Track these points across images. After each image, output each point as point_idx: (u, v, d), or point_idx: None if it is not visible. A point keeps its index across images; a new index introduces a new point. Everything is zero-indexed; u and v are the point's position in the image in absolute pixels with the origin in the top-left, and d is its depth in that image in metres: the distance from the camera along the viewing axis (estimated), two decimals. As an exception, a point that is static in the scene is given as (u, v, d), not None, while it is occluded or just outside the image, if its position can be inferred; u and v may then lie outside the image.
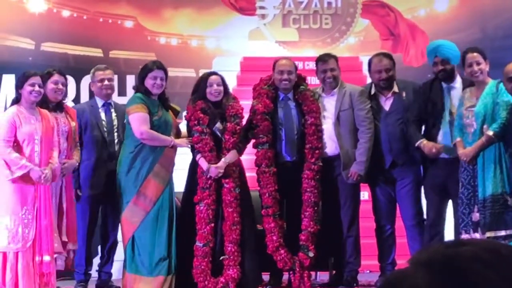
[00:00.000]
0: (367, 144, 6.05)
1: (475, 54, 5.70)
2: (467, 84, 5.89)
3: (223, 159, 5.90)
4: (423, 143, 5.86)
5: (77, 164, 6.05)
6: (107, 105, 6.37)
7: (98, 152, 6.20)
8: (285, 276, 6.20)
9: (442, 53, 5.94)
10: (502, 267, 1.22)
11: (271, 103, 6.11)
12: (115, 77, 7.66)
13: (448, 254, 1.25)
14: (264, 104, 6.08)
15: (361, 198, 6.39)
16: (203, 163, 5.89)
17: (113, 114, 6.33)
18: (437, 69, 5.95)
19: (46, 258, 5.50)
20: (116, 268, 6.51)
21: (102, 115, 6.30)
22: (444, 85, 5.96)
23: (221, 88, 6.00)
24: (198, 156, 5.92)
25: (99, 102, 6.37)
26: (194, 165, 6.01)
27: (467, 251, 1.24)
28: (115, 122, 6.30)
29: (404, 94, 6.12)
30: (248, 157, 6.33)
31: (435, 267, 1.23)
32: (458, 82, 5.98)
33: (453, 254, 1.24)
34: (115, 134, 6.27)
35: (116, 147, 6.21)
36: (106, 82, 6.36)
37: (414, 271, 1.24)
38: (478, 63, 5.65)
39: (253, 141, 6.14)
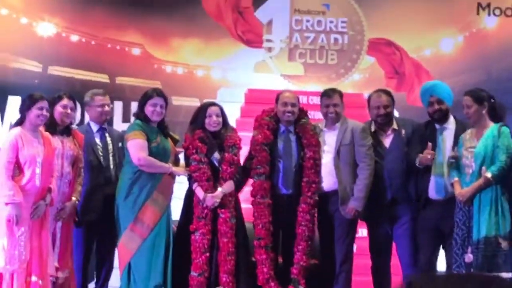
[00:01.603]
0: (367, 181, 6.03)
1: (467, 97, 5.72)
2: (460, 125, 5.92)
3: (219, 189, 5.90)
4: (420, 156, 5.84)
5: (77, 203, 5.97)
6: (102, 130, 6.34)
7: (94, 177, 6.17)
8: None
9: (438, 93, 5.97)
10: None
11: (272, 134, 6.12)
12: (120, 103, 7.73)
13: None
14: (264, 135, 6.09)
15: (359, 235, 6.36)
16: (199, 192, 5.88)
17: (108, 139, 6.31)
18: (432, 109, 5.95)
19: (34, 279, 5.48)
20: (112, 295, 6.50)
21: (97, 140, 6.29)
22: (437, 126, 5.98)
23: (220, 119, 6.02)
24: (195, 185, 5.91)
25: (94, 127, 6.35)
26: (190, 194, 6.00)
27: None
28: (110, 147, 6.29)
29: (403, 132, 6.13)
30: (244, 188, 6.32)
31: None
32: (451, 123, 5.99)
33: None
34: (111, 158, 6.26)
35: (113, 172, 6.21)
36: (106, 108, 6.38)
37: None
38: (468, 107, 5.68)
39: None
